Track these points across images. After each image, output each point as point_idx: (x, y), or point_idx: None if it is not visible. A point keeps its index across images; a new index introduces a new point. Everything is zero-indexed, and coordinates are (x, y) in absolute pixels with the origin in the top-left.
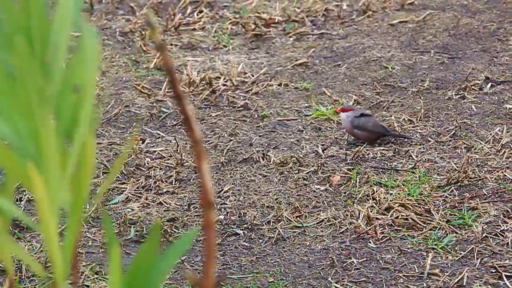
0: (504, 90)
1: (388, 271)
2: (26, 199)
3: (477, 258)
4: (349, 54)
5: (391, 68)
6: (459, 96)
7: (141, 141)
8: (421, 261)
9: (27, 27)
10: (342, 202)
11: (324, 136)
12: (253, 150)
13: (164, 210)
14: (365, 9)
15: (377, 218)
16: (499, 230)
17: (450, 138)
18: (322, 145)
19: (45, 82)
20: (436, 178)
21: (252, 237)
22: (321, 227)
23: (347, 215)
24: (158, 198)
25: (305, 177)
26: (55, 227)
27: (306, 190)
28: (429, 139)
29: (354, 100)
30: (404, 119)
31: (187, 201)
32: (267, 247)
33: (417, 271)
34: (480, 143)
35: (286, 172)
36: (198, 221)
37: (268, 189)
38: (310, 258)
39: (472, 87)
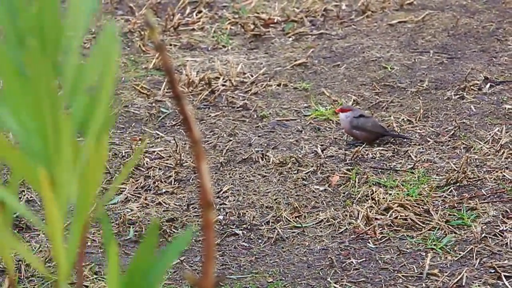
0: (503, 90)
1: (387, 271)
2: (26, 199)
3: (476, 258)
4: (348, 54)
5: (390, 68)
6: (458, 96)
7: (140, 141)
8: (420, 261)
9: (40, 27)
10: (341, 202)
11: (323, 136)
12: (252, 150)
13: (163, 210)
14: (364, 9)
15: (376, 218)
16: (498, 230)
17: (449, 138)
18: (321, 145)
19: (57, 82)
20: (435, 178)
21: (251, 237)
22: (320, 227)
23: (346, 215)
24: (157, 198)
25: (304, 177)
26: (61, 228)
27: (305, 190)
28: (428, 139)
29: (353, 100)
30: (403, 119)
31: (186, 201)
32: (266, 247)
33: (416, 271)
34: (479, 143)
35: (285, 172)
36: (197, 221)
37: (267, 189)
38: (309, 258)
39: (471, 87)
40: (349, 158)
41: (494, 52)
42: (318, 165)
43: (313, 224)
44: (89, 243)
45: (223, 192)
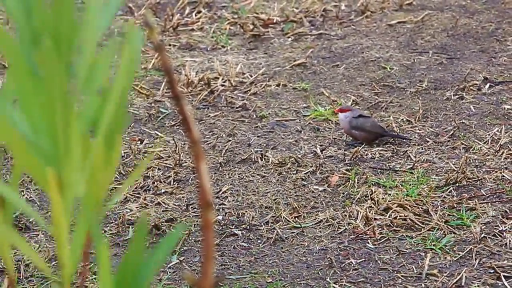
0: (503, 91)
1: (386, 272)
2: (25, 200)
3: (475, 259)
4: (347, 54)
5: (390, 68)
6: (457, 96)
7: (139, 142)
8: (419, 261)
9: (55, 26)
10: (341, 203)
11: (323, 136)
12: (251, 151)
13: (163, 211)
14: (364, 9)
15: (375, 219)
16: (498, 230)
17: (449, 139)
18: (321, 145)
19: (69, 82)
20: (434, 178)
21: (251, 238)
22: (320, 228)
23: (346, 215)
24: (157, 199)
25: (304, 178)
26: (67, 228)
27: (304, 190)
28: (428, 139)
29: (353, 100)
30: (402, 119)
31: (186, 201)
32: (265, 247)
33: (415, 271)
34: (479, 143)
35: (284, 173)
36: (197, 221)
37: (266, 189)
38: (309, 259)
39: (471, 87)
40: (348, 158)
41: (494, 52)
42: (317, 165)
43: (313, 224)
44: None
45: (222, 192)
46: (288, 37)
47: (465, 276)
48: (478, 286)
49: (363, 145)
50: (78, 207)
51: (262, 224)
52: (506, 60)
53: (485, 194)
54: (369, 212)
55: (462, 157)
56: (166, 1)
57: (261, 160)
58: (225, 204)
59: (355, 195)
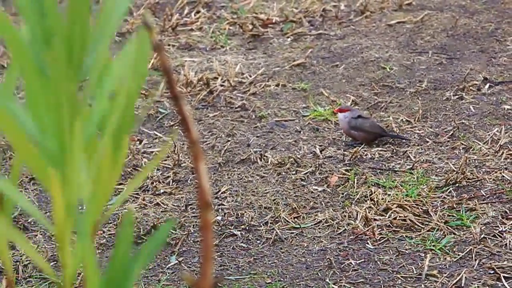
0: (502, 91)
1: (386, 272)
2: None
3: (475, 259)
4: (347, 54)
5: (389, 68)
6: (457, 96)
7: (138, 142)
8: (419, 262)
9: (69, 28)
10: (340, 203)
11: (322, 136)
12: (250, 151)
13: (161, 211)
14: (363, 9)
15: (375, 219)
16: (497, 231)
17: (448, 139)
18: (320, 145)
19: (78, 83)
20: (434, 179)
21: (250, 238)
22: (319, 228)
23: (345, 216)
24: (156, 199)
25: (303, 178)
26: (69, 230)
27: (303, 191)
28: (427, 139)
29: (352, 100)
30: (402, 119)
31: (185, 202)
32: (264, 248)
33: (415, 272)
34: (478, 143)
35: (283, 173)
36: (196, 222)
37: (265, 190)
38: (308, 259)
39: (470, 87)
40: (347, 158)
41: (493, 52)
42: (317, 165)
43: (312, 225)
44: None
45: (222, 193)
46: (288, 37)
47: (465, 277)
48: (478, 286)
49: (362, 146)
50: (81, 208)
51: (261, 224)
52: (506, 60)
53: (485, 194)
54: (369, 212)
55: (462, 157)
56: (165, 1)
57: (260, 160)
58: (224, 205)
59: (354, 195)
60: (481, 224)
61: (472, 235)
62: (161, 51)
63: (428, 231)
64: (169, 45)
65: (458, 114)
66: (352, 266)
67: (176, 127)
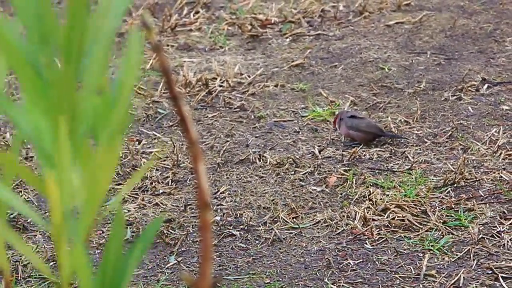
0: (501, 91)
1: (384, 272)
2: (22, 200)
3: (473, 259)
4: (345, 55)
5: (388, 69)
6: (455, 97)
7: (137, 142)
8: (417, 262)
9: (67, 27)
10: (339, 203)
11: (321, 137)
12: (249, 151)
13: (161, 211)
14: (362, 10)
15: (373, 219)
16: (496, 231)
17: (447, 139)
18: (319, 146)
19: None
20: (432, 179)
21: (249, 238)
22: (318, 228)
23: (344, 216)
24: (155, 199)
25: (302, 178)
26: (66, 230)
27: (302, 191)
28: (426, 140)
29: (351, 101)
30: (400, 120)
31: (184, 202)
32: (263, 248)
33: (413, 272)
34: (477, 144)
35: (282, 173)
36: (195, 222)
37: (264, 190)
38: (307, 259)
39: (469, 88)
40: (346, 159)
41: (492, 53)
42: (315, 166)
43: (310, 225)
44: None
45: (220, 193)
46: (286, 38)
47: (463, 277)
48: (476, 286)
49: (361, 146)
50: (77, 208)
51: (260, 224)
52: (504, 60)
53: (483, 195)
54: (367, 212)
55: (460, 157)
56: (164, 1)
57: (259, 160)
58: (223, 205)
59: (353, 195)
60: (479, 224)
61: (470, 235)
62: (160, 52)
63: (426, 231)
64: (168, 45)
65: (456, 114)
66: (350, 266)
67: (175, 128)
